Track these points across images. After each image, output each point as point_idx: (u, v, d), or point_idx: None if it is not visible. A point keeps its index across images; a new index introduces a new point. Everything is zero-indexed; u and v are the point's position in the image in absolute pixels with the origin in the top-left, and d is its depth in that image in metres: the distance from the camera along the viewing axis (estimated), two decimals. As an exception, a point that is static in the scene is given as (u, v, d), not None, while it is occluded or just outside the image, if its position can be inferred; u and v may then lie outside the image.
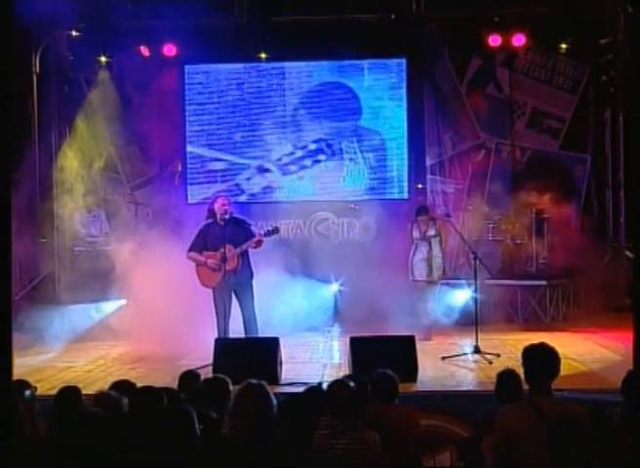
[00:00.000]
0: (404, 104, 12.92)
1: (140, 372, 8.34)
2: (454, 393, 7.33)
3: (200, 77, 13.13)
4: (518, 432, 4.08)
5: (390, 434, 4.71)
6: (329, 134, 12.98)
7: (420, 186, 13.03)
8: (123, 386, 4.97)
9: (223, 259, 8.75)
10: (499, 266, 11.83)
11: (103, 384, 5.60)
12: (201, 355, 8.35)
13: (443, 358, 8.77)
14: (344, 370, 7.85)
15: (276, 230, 9.21)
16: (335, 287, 11.38)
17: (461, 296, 10.60)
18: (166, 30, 12.04)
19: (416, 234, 10.09)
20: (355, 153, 12.92)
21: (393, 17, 12.16)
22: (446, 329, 10.30)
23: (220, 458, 4.05)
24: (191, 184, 13.10)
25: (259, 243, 8.90)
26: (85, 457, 4.05)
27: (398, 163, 12.97)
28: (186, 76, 13.08)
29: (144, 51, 12.55)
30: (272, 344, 8.01)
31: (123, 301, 10.81)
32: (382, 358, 7.08)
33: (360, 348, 7.78)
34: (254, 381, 4.37)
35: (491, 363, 8.43)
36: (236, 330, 8.96)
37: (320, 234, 12.78)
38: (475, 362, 8.66)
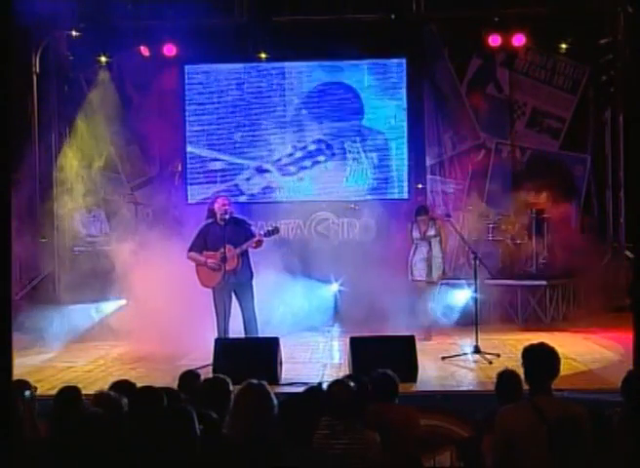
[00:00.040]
0: (404, 104, 12.92)
1: (139, 372, 8.34)
2: (454, 393, 7.33)
3: (200, 77, 13.13)
4: (518, 432, 4.08)
5: (390, 434, 4.71)
6: (331, 134, 12.97)
7: (419, 186, 13.02)
8: (123, 386, 4.97)
9: (223, 259, 8.75)
10: (499, 266, 11.83)
11: (103, 384, 5.60)
12: (201, 355, 8.35)
13: (443, 358, 8.77)
14: (344, 370, 7.85)
15: (276, 230, 9.21)
16: (335, 287, 11.38)
17: (461, 296, 10.60)
18: (166, 30, 12.04)
19: (415, 234, 10.09)
20: (358, 153, 12.92)
21: (393, 17, 12.15)
22: (446, 329, 10.30)
23: (220, 458, 4.05)
24: (191, 184, 13.10)
25: (259, 243, 8.90)
26: (85, 457, 4.05)
27: (398, 163, 12.97)
28: (186, 76, 13.08)
29: (144, 51, 12.55)
30: (272, 344, 8.01)
31: (123, 301, 10.81)
32: (382, 358, 7.08)
33: (360, 348, 7.78)
34: (254, 381, 4.37)
35: (491, 363, 8.43)
36: (236, 330, 8.96)
37: (320, 234, 12.78)
38: (475, 362, 8.66)
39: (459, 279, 11.08)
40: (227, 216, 8.90)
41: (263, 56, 12.73)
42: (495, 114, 13.05)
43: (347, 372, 7.36)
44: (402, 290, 10.19)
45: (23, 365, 8.37)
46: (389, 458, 4.61)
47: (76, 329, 10.65)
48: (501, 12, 12.28)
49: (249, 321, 8.92)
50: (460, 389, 7.52)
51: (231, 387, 4.73)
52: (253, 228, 9.35)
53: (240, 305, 8.98)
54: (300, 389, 5.23)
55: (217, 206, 9.02)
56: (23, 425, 4.52)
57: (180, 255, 9.16)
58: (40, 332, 10.23)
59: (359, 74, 12.98)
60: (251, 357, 7.61)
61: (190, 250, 9.04)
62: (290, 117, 13.04)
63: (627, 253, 12.02)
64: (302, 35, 12.35)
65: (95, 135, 12.57)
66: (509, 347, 9.35)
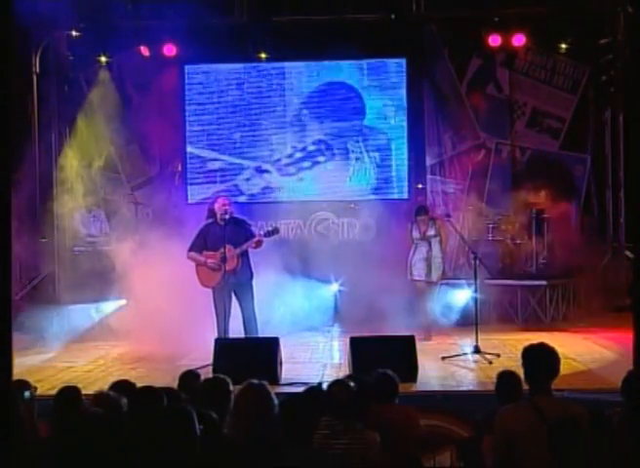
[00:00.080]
0: (404, 104, 12.92)
1: (140, 372, 8.34)
2: (454, 393, 7.33)
3: (200, 77, 13.13)
4: (518, 432, 4.08)
5: (390, 434, 4.71)
6: (333, 133, 12.96)
7: (419, 186, 13.03)
8: (123, 386, 4.97)
9: (223, 259, 8.75)
10: (498, 266, 11.83)
11: (103, 384, 5.60)
12: (201, 355, 8.35)
13: (443, 358, 8.77)
14: (344, 371, 7.85)
15: (276, 231, 9.21)
16: (335, 287, 11.38)
17: (461, 296, 10.60)
18: (166, 30, 12.03)
19: (415, 234, 10.09)
20: (361, 152, 12.92)
21: (393, 17, 12.16)
22: (446, 329, 10.30)
23: (221, 458, 4.05)
24: (191, 184, 13.10)
25: (258, 243, 8.91)
26: (85, 457, 4.05)
27: (398, 163, 12.97)
28: (186, 76, 13.08)
29: (144, 51, 12.55)
30: (272, 344, 8.01)
31: (123, 301, 10.81)
32: (382, 358, 7.08)
33: (360, 348, 7.78)
34: (255, 381, 4.36)
35: (491, 363, 8.43)
36: (236, 330, 8.96)
37: (320, 234, 12.78)
38: (475, 362, 8.66)
39: (459, 279, 11.08)
40: (227, 216, 8.90)
41: (263, 56, 12.73)
42: (495, 114, 13.05)
43: (347, 372, 7.36)
44: (402, 290, 10.19)
45: (23, 365, 8.37)
46: (389, 458, 4.61)
47: (76, 329, 10.66)
48: (501, 12, 12.28)
49: (249, 321, 8.93)
50: (460, 389, 7.52)
51: (231, 387, 4.73)
52: (253, 228, 9.35)
53: (240, 305, 8.98)
54: (300, 389, 5.22)
55: (217, 206, 9.02)
56: (23, 425, 4.52)
57: (180, 255, 9.16)
58: (40, 332, 10.24)
59: (359, 74, 12.98)
60: (251, 357, 7.61)
61: (190, 249, 9.04)
62: (290, 117, 13.03)
63: (627, 253, 12.02)
64: (302, 35, 12.35)
65: (95, 134, 12.57)
66: (509, 347, 9.35)
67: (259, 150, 13.05)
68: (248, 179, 13.05)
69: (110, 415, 4.29)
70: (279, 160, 13.02)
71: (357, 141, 12.93)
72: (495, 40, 12.40)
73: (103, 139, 12.66)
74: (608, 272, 12.20)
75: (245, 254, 8.93)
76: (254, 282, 9.08)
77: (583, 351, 9.17)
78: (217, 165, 13.09)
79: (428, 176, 13.10)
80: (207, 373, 6.71)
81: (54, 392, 4.98)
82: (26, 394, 4.67)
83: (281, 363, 8.01)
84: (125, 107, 12.64)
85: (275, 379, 7.51)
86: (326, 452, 4.32)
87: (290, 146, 13.02)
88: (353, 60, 12.86)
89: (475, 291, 9.39)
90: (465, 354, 8.91)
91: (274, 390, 4.41)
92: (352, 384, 4.73)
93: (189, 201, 12.89)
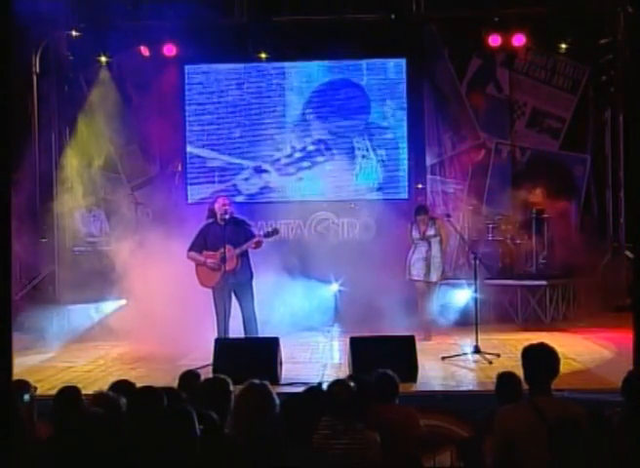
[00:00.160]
0: (404, 104, 12.92)
1: (140, 372, 8.34)
2: (454, 393, 7.33)
3: (200, 77, 13.13)
4: (518, 432, 4.08)
5: (390, 434, 4.71)
6: (338, 131, 12.95)
7: (419, 186, 13.03)
8: (123, 386, 4.97)
9: (223, 260, 8.75)
10: (498, 266, 11.84)
11: (103, 384, 5.60)
12: (201, 355, 8.35)
13: (443, 358, 8.77)
14: (344, 370, 7.85)
15: (275, 231, 9.22)
16: (335, 287, 11.37)
17: (461, 296, 10.60)
18: (166, 30, 12.03)
19: (415, 234, 10.08)
20: (367, 150, 12.92)
21: (393, 17, 12.15)
22: (446, 329, 10.30)
23: (221, 458, 4.05)
24: (191, 184, 13.11)
25: (258, 244, 8.91)
26: (85, 458, 4.05)
27: (398, 163, 12.97)
28: (186, 76, 13.08)
29: (144, 51, 12.55)
30: (272, 344, 8.01)
31: (123, 301, 10.81)
32: (382, 358, 7.08)
33: (360, 348, 7.78)
34: (256, 381, 4.36)
35: (491, 363, 8.44)
36: (236, 330, 8.97)
37: (320, 234, 12.78)
38: (475, 362, 8.66)
39: (459, 279, 11.08)
40: (227, 216, 8.90)
41: (263, 56, 12.73)
42: (495, 114, 13.05)
43: (347, 372, 7.36)
44: (402, 290, 10.20)
45: (23, 365, 8.37)
46: (389, 458, 4.61)
47: (76, 329, 10.66)
48: (501, 12, 12.28)
49: (249, 321, 8.93)
50: (460, 389, 7.52)
51: (232, 387, 4.73)
52: (253, 229, 9.35)
53: (240, 305, 8.98)
54: (300, 389, 5.22)
55: (217, 206, 9.03)
56: (23, 426, 4.52)
57: (180, 255, 9.16)
58: (40, 332, 10.24)
59: (359, 74, 12.98)
60: (251, 357, 7.60)
61: (190, 249, 9.04)
62: (290, 117, 13.04)
63: (627, 253, 12.02)
64: (302, 35, 12.36)
65: (95, 134, 12.57)
66: (509, 347, 9.34)
67: (259, 150, 13.05)
68: (248, 179, 13.05)
69: (110, 415, 4.29)
70: (279, 160, 13.02)
71: (363, 139, 12.92)
72: (495, 40, 12.40)
73: (103, 139, 12.66)
74: (608, 272, 12.20)
75: (245, 255, 8.93)
76: (254, 282, 9.08)
77: (583, 351, 9.17)
78: (216, 165, 13.09)
79: (428, 176, 13.10)
80: (207, 373, 6.70)
81: (54, 392, 4.98)
82: (26, 397, 4.66)
83: (281, 363, 8.01)
84: (125, 107, 12.64)
85: (275, 379, 7.50)
86: (326, 452, 4.32)
87: (290, 146, 13.02)
88: (353, 60, 12.87)
89: (475, 291, 9.39)
90: (465, 354, 8.91)
91: (274, 390, 4.40)
92: (352, 384, 4.73)
93: (189, 201, 12.90)
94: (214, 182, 13.05)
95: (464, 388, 7.57)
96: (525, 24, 12.25)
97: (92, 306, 10.99)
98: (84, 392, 5.03)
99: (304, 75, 13.03)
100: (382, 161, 12.92)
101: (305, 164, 12.99)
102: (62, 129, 12.76)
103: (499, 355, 8.71)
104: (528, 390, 4.32)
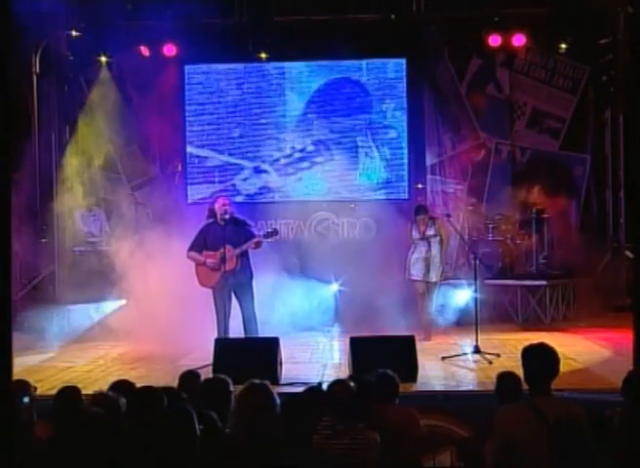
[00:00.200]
0: (404, 104, 12.92)
1: (140, 372, 8.33)
2: (454, 393, 7.33)
3: (200, 77, 13.13)
4: (518, 432, 4.08)
5: (390, 434, 4.71)
6: (341, 130, 12.93)
7: (419, 186, 13.02)
8: (122, 386, 4.97)
9: (223, 260, 8.75)
10: (498, 266, 11.84)
11: (103, 384, 5.59)
12: (201, 355, 8.36)
13: (443, 358, 8.77)
14: (344, 370, 7.85)
15: (275, 232, 9.23)
16: (335, 287, 11.37)
17: (462, 296, 10.60)
18: (166, 30, 12.01)
19: (415, 234, 10.07)
20: (370, 148, 12.92)
21: (393, 17, 12.15)
22: (446, 329, 10.30)
23: (221, 458, 4.05)
24: (191, 184, 13.11)
25: (258, 244, 8.91)
26: (85, 458, 4.05)
27: (398, 163, 12.97)
28: (186, 76, 13.08)
29: (144, 51, 12.54)
30: (272, 344, 8.00)
31: (123, 301, 10.81)
32: (382, 358, 7.08)
33: (360, 348, 7.78)
34: (257, 381, 4.36)
35: (491, 363, 8.43)
36: (236, 330, 8.96)
37: (320, 234, 12.77)
38: (475, 362, 8.66)
39: (459, 279, 11.08)
40: (227, 216, 8.90)
41: (263, 56, 12.72)
42: (495, 114, 13.05)
43: (347, 372, 7.36)
44: (402, 290, 10.21)
45: (23, 365, 8.37)
46: (389, 459, 4.60)
47: (76, 329, 10.66)
48: (501, 12, 12.28)
49: (249, 321, 8.93)
50: (461, 389, 7.52)
51: (232, 387, 4.73)
52: (253, 229, 9.35)
53: (240, 305, 8.99)
54: (301, 389, 5.22)
55: (217, 206, 9.03)
56: (22, 427, 4.51)
57: (180, 255, 9.16)
58: (40, 332, 10.23)
59: (359, 73, 12.98)
60: (251, 357, 7.60)
61: (190, 249, 9.05)
62: (290, 117, 13.03)
63: (627, 253, 12.01)
64: (303, 35, 12.36)
65: (95, 134, 12.58)
66: (509, 347, 9.34)
67: (259, 150, 13.05)
68: (248, 179, 13.05)
69: (110, 415, 4.29)
70: (279, 160, 13.02)
71: (366, 137, 12.92)
72: (495, 40, 12.39)
73: (103, 139, 12.67)
74: (608, 272, 12.20)
75: (245, 255, 8.93)
76: (254, 282, 9.08)
77: (583, 351, 9.17)
78: (217, 165, 13.09)
79: (428, 176, 13.10)
80: (207, 373, 6.70)
81: (54, 392, 4.98)
82: (25, 400, 4.66)
83: (281, 363, 8.01)
84: (125, 107, 12.65)
85: (275, 379, 7.49)
86: (326, 453, 4.32)
87: (290, 146, 13.01)
88: (353, 60, 12.86)
89: (475, 291, 9.39)
90: (465, 354, 8.91)
91: (274, 390, 4.40)
92: (352, 384, 4.73)
93: (189, 201, 12.90)
94: (214, 182, 13.05)
95: (464, 388, 7.57)
96: (525, 24, 12.24)
97: (92, 306, 10.99)
98: (84, 392, 5.03)
99: (305, 75, 13.03)
100: (387, 160, 12.92)
101: (305, 164, 12.98)
102: (62, 129, 12.77)
103: (499, 355, 8.71)
104: (528, 390, 4.32)
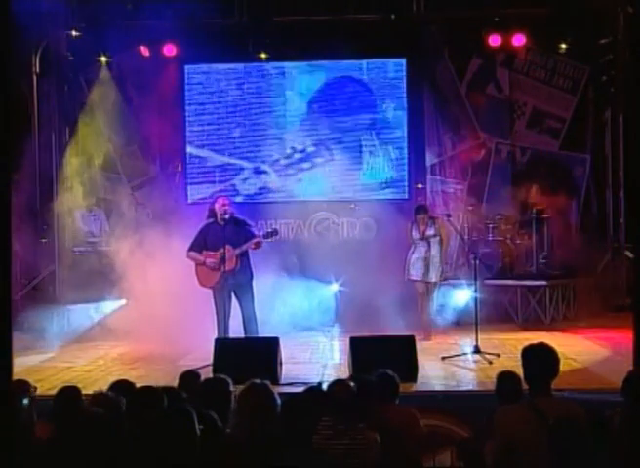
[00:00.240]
0: (404, 104, 12.92)
1: (140, 372, 8.33)
2: (454, 393, 7.33)
3: (200, 77, 13.13)
4: (518, 433, 4.07)
5: (390, 434, 4.71)
6: (344, 128, 12.92)
7: (419, 186, 13.03)
8: (123, 386, 4.97)
9: (223, 260, 8.75)
10: (498, 266, 11.84)
11: (103, 384, 5.59)
12: (201, 355, 8.36)
13: (443, 358, 8.77)
14: (344, 370, 7.85)
15: (275, 232, 9.23)
16: (335, 287, 11.37)
17: (461, 296, 10.60)
18: (166, 30, 12.02)
19: (415, 234, 10.06)
20: (374, 146, 12.92)
21: (393, 17, 12.15)
22: (446, 329, 10.30)
23: (221, 458, 4.05)
24: (191, 184, 13.11)
25: (257, 244, 8.91)
26: (85, 458, 4.05)
27: (398, 163, 12.97)
28: (186, 76, 13.08)
29: (144, 51, 12.55)
30: (272, 344, 8.00)
31: (123, 301, 10.81)
32: (382, 358, 7.08)
33: (360, 348, 7.77)
34: (257, 381, 4.37)
35: (491, 363, 8.43)
36: (236, 330, 8.96)
37: (320, 234, 12.77)
38: (475, 362, 8.65)
39: (459, 279, 11.08)
40: (227, 216, 8.90)
41: (263, 56, 12.73)
42: (495, 114, 13.06)
43: (347, 372, 7.36)
44: (402, 290, 10.20)
45: (23, 365, 8.37)
46: (389, 459, 4.60)
47: (76, 329, 10.66)
48: (501, 12, 12.29)
49: (249, 321, 8.93)
50: (461, 389, 7.52)
51: (232, 387, 4.73)
52: (253, 229, 9.35)
53: (240, 305, 8.98)
54: (301, 389, 5.22)
55: (217, 206, 9.03)
56: (23, 427, 4.52)
57: (179, 255, 9.16)
58: (40, 332, 10.24)
59: (359, 73, 12.98)
60: (251, 357, 7.60)
61: (190, 249, 9.04)
62: (290, 117, 13.03)
63: (627, 253, 12.01)
64: (303, 35, 12.36)
65: (95, 134, 12.58)
66: (509, 347, 9.34)
67: (259, 150, 13.05)
68: (248, 179, 13.05)
69: (110, 415, 4.29)
70: (279, 160, 13.02)
71: (370, 135, 12.91)
72: (495, 40, 12.40)
73: (103, 139, 12.67)
74: (608, 272, 12.21)
75: (245, 255, 8.93)
76: (254, 282, 9.08)
77: (583, 351, 9.17)
78: (217, 165, 13.09)
79: (428, 176, 13.10)
80: (207, 373, 6.70)
81: (54, 392, 4.98)
82: (25, 401, 4.66)
83: (281, 363, 8.01)
84: (125, 107, 12.65)
85: (275, 379, 7.49)
86: (327, 453, 4.32)
87: (290, 146, 13.01)
88: (353, 60, 12.87)
89: (475, 291, 9.39)
90: (465, 354, 8.91)
91: (274, 390, 4.40)
92: (352, 384, 4.73)
93: (189, 201, 12.90)
94: (214, 182, 13.05)
95: (464, 388, 7.57)
96: (525, 24, 12.25)
97: (92, 306, 10.99)
98: (84, 392, 5.04)
99: (305, 75, 13.03)
100: (392, 159, 12.91)
101: (306, 165, 12.98)
102: (62, 129, 12.77)
103: (499, 355, 8.71)
104: (528, 390, 4.32)
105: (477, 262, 9.32)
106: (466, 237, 11.86)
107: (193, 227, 9.37)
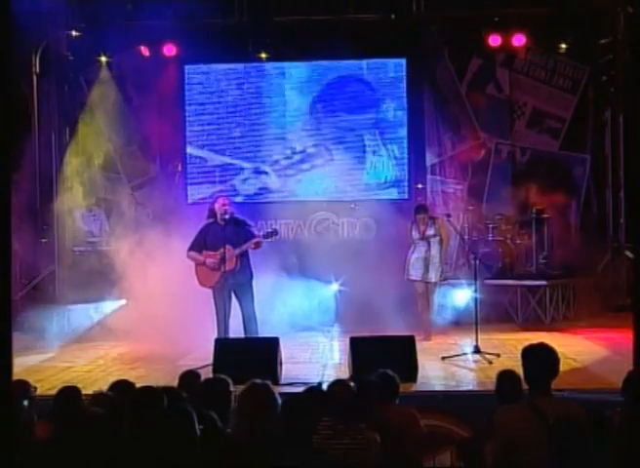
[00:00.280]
0: (404, 105, 12.92)
1: (139, 372, 8.34)
2: (454, 393, 7.33)
3: (200, 77, 13.13)
4: (518, 432, 4.07)
5: (390, 434, 4.71)
6: (346, 128, 12.92)
7: (419, 186, 13.03)
8: (123, 386, 4.97)
9: (223, 260, 8.75)
10: (498, 266, 11.84)
11: (103, 384, 5.59)
12: (201, 355, 8.36)
13: (443, 358, 8.77)
14: (344, 370, 7.85)
15: (275, 232, 9.24)
16: (335, 287, 11.37)
17: (461, 296, 10.60)
18: (166, 30, 12.03)
19: (415, 234, 10.06)
20: (378, 145, 12.91)
21: (393, 17, 12.15)
22: (446, 329, 10.30)
23: (221, 458, 4.05)
24: (191, 184, 13.11)
25: (257, 244, 8.91)
26: (85, 458, 4.05)
27: (398, 163, 12.97)
28: (186, 76, 13.08)
29: (144, 51, 12.55)
30: (272, 344, 8.00)
31: (123, 301, 10.81)
32: (382, 358, 7.08)
33: (360, 348, 7.77)
34: (258, 381, 4.37)
35: (491, 363, 8.43)
36: (236, 330, 8.97)
37: (320, 234, 12.77)
38: (475, 362, 8.66)
39: (459, 279, 11.09)
40: (227, 216, 8.90)
41: (263, 56, 12.73)
42: (495, 114, 13.06)
43: (347, 372, 7.37)
44: (402, 290, 10.20)
45: (23, 365, 8.37)
46: (389, 459, 4.60)
47: (76, 329, 10.66)
48: (501, 12, 12.29)
49: (249, 321, 8.93)
50: (461, 389, 7.52)
51: (232, 387, 4.73)
52: (253, 229, 9.35)
53: (240, 305, 8.99)
54: (301, 389, 5.22)
55: (217, 206, 9.03)
56: (23, 427, 4.52)
57: (180, 255, 9.16)
58: (40, 332, 10.24)
59: (359, 73, 12.98)
60: (251, 357, 7.60)
61: (190, 249, 9.05)
62: (290, 117, 13.03)
63: (627, 253, 12.01)
64: (303, 35, 12.36)
65: (95, 134, 12.58)
66: (509, 347, 9.34)
67: (259, 150, 13.05)
68: (248, 179, 13.05)
69: (110, 415, 4.29)
70: (279, 160, 13.02)
71: (373, 135, 12.91)
72: (495, 40, 12.40)
73: (103, 139, 12.67)
74: (608, 272, 12.21)
75: (245, 255, 8.93)
76: (254, 282, 9.08)
77: (583, 351, 9.17)
78: (216, 165, 13.09)
79: (428, 176, 13.10)
80: (207, 373, 6.71)
81: (54, 392, 4.98)
82: (25, 403, 4.66)
83: (281, 363, 8.01)
84: (125, 107, 12.65)
85: (275, 379, 7.49)
86: (327, 453, 4.32)
87: (290, 146, 13.02)
88: (353, 60, 12.87)
89: (475, 291, 9.39)
90: (465, 354, 8.91)
91: (274, 390, 4.40)
92: (352, 384, 4.73)
93: (189, 201, 12.90)
94: (214, 182, 13.05)
95: (464, 388, 7.57)
96: (525, 24, 12.25)
97: (92, 306, 10.99)
98: (84, 392, 5.03)
99: (305, 75, 13.03)
100: (396, 158, 12.91)
101: (306, 166, 12.97)
102: (62, 129, 12.77)
103: (499, 355, 8.71)
104: (528, 390, 4.32)
105: (477, 262, 9.32)
106: (466, 237, 11.86)
107: (193, 227, 9.37)
